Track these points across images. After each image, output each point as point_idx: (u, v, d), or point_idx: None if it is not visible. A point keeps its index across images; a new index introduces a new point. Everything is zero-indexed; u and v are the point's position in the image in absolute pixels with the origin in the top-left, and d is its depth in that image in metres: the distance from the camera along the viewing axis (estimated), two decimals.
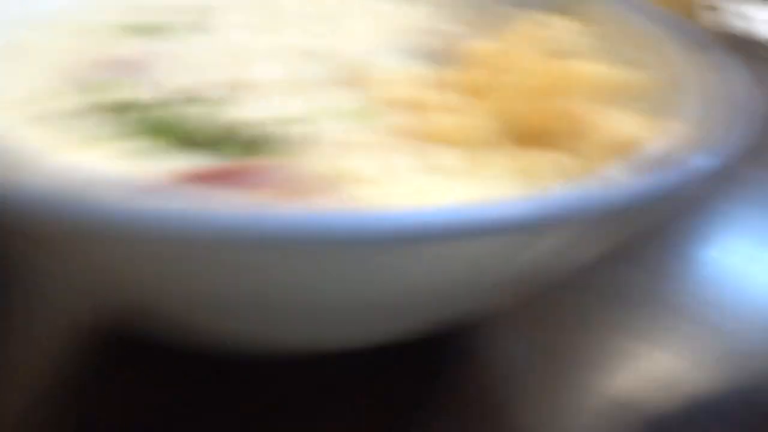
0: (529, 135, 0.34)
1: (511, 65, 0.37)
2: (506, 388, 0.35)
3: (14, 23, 0.42)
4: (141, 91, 0.35)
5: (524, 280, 0.28)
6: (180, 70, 0.37)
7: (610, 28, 0.47)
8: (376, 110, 0.37)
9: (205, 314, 0.27)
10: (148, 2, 0.50)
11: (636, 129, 0.33)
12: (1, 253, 0.34)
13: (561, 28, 0.45)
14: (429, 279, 0.24)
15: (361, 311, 0.26)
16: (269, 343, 0.30)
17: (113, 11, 0.47)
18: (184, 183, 0.28)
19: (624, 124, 0.34)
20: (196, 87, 0.36)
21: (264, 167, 0.28)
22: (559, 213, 0.22)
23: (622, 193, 0.23)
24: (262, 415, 0.32)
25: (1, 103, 0.33)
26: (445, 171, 0.32)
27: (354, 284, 0.23)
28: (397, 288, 0.24)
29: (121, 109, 0.33)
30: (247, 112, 0.33)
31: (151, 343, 0.32)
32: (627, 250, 0.44)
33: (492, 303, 0.33)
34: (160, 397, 0.31)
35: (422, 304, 0.27)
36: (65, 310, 0.36)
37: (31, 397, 0.32)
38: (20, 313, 0.36)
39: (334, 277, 0.23)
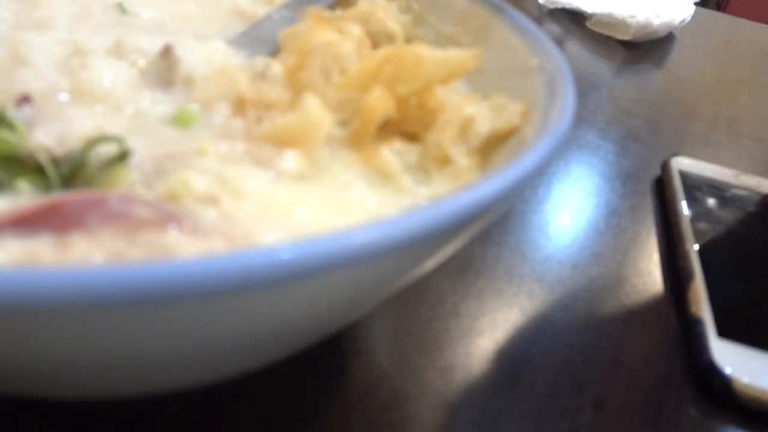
0: (371, 125, 0.32)
1: (340, 52, 0.35)
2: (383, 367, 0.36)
3: None
4: None
5: (381, 295, 0.27)
6: None
7: (425, 4, 0.48)
8: (199, 113, 0.33)
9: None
10: None
11: (476, 110, 0.33)
12: None
13: (382, 8, 0.44)
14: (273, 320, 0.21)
15: (211, 355, 0.23)
16: (103, 392, 0.25)
17: None
18: None
19: (464, 105, 0.34)
20: None
21: (86, 201, 0.23)
22: (413, 238, 0.20)
23: (474, 203, 0.22)
24: None
25: None
26: (291, 177, 0.29)
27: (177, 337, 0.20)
28: (230, 335, 0.21)
29: None
30: (41, 133, 0.27)
31: None
32: None
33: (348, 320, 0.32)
34: None
35: (277, 339, 0.25)
36: None
37: None
38: None
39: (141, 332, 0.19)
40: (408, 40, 0.46)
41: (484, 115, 0.33)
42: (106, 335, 0.18)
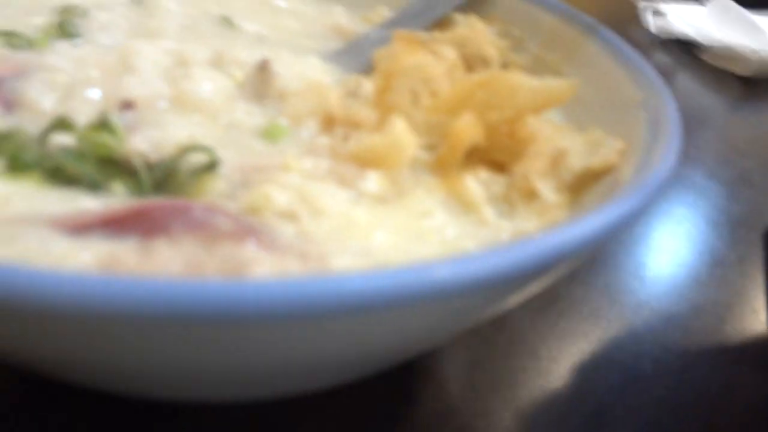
0: (458, 151, 0.32)
1: (430, 75, 0.34)
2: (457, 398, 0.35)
3: None
4: (12, 119, 0.30)
5: (457, 329, 0.26)
6: (54, 88, 0.32)
7: (526, 30, 0.46)
8: (288, 127, 0.34)
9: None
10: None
11: (570, 143, 0.32)
12: None
13: (480, 31, 0.43)
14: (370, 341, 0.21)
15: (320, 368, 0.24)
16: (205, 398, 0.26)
17: None
18: (85, 229, 0.23)
19: (557, 137, 0.32)
20: (73, 108, 0.31)
21: (172, 208, 0.24)
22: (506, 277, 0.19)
23: (562, 245, 0.21)
24: None
25: None
26: (372, 199, 0.29)
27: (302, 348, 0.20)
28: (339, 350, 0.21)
29: None
30: (139, 138, 0.28)
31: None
32: None
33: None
34: None
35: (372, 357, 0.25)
36: None
37: None
38: None
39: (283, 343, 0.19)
40: (504, 65, 0.45)
41: (578, 150, 0.31)
42: (201, 347, 0.18)
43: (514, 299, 0.23)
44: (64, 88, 0.32)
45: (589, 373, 0.39)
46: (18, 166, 0.26)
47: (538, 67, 0.45)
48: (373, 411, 0.33)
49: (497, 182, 0.31)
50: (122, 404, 0.30)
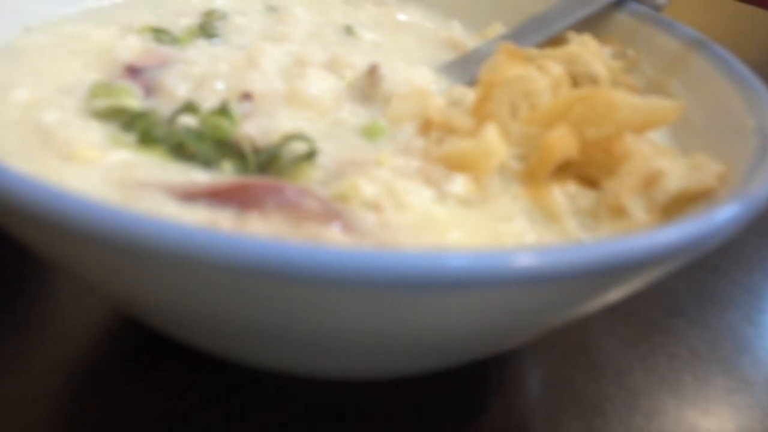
0: (548, 162, 0.32)
1: (532, 88, 0.35)
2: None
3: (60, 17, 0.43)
4: (150, 101, 0.34)
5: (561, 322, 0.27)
6: (188, 78, 0.36)
7: (643, 51, 0.45)
8: (389, 128, 0.36)
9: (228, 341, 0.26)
10: (169, 5, 0.50)
11: (668, 164, 0.31)
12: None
13: (592, 50, 0.43)
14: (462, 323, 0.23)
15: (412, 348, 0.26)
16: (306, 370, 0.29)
17: (139, 11, 0.47)
18: (193, 197, 0.27)
19: (656, 157, 0.32)
20: (202, 96, 0.35)
21: (268, 187, 0.27)
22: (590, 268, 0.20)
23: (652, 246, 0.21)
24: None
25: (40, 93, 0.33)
26: (455, 200, 0.30)
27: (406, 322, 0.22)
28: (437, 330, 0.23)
29: (126, 116, 0.32)
30: (251, 125, 0.31)
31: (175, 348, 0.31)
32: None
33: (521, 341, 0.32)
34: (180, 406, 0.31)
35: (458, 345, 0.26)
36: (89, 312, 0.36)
37: (49, 391, 0.31)
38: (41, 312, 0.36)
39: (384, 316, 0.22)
40: (615, 85, 0.45)
41: (677, 172, 0.31)
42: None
43: (592, 299, 0.23)
44: (197, 79, 0.36)
45: (674, 414, 0.37)
46: (147, 140, 0.30)
47: (652, 90, 0.44)
48: (442, 416, 0.34)
49: (586, 197, 0.31)
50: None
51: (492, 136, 0.31)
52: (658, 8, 0.79)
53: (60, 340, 0.35)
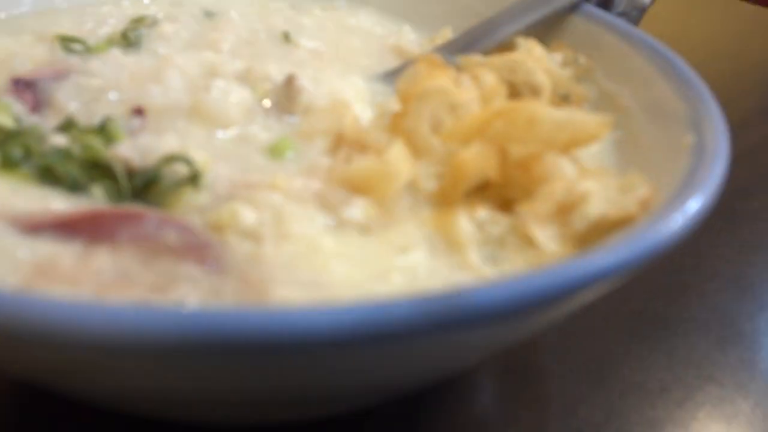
0: (460, 183, 0.29)
1: (457, 101, 0.32)
2: None
3: None
4: (34, 118, 0.32)
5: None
6: (85, 92, 0.34)
7: (596, 58, 0.42)
8: (296, 144, 0.33)
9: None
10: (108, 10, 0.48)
11: (593, 187, 0.28)
12: None
13: (536, 57, 0.40)
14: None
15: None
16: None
17: (61, 19, 0.45)
18: (39, 228, 0.24)
19: (580, 179, 0.29)
20: (94, 111, 0.32)
21: (123, 217, 0.24)
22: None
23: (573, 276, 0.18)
24: None
25: None
26: (353, 227, 0.27)
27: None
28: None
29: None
30: (129, 145, 0.29)
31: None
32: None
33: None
34: None
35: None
36: None
37: None
38: None
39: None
40: (565, 97, 0.41)
41: (599, 195, 0.27)
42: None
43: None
44: (93, 92, 0.34)
45: None
46: (8, 163, 0.27)
47: (602, 101, 0.40)
48: None
49: (498, 223, 0.28)
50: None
51: (395, 155, 0.28)
52: (642, 9, 0.76)
53: None
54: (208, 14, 0.49)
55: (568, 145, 0.30)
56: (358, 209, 0.28)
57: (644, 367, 0.40)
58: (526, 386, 0.37)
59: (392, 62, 0.46)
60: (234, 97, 0.34)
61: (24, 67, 0.35)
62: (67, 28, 0.42)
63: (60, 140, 0.28)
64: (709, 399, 0.38)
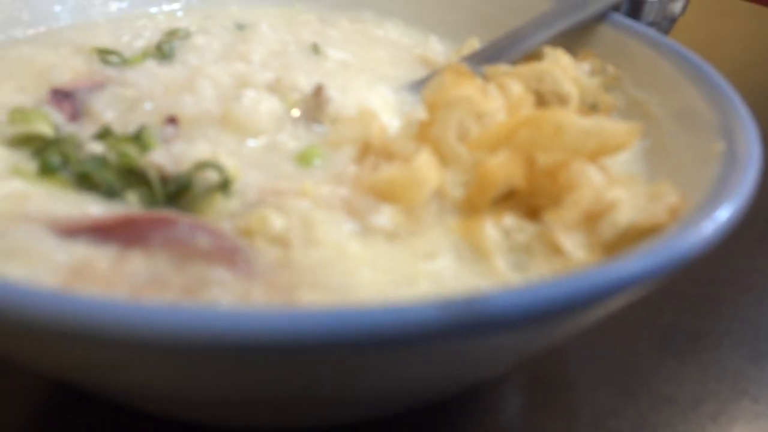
0: (487, 191, 0.29)
1: (483, 110, 0.32)
2: None
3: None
4: (73, 126, 0.33)
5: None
6: (121, 101, 0.35)
7: (625, 68, 0.42)
8: (324, 153, 0.33)
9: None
10: (141, 23, 0.49)
11: (621, 195, 0.28)
12: None
13: (563, 66, 0.40)
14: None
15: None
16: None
17: (98, 33, 0.46)
18: (75, 233, 0.25)
19: (608, 187, 0.28)
20: (130, 120, 0.33)
21: (157, 221, 0.25)
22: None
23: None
24: None
25: None
26: (378, 234, 0.28)
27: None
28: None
29: (40, 143, 0.31)
30: (162, 152, 0.30)
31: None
32: None
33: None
34: None
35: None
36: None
37: None
38: None
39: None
40: (593, 105, 0.41)
41: (629, 203, 0.27)
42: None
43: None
44: (129, 102, 0.35)
45: None
46: (47, 169, 0.28)
47: (631, 110, 0.40)
48: None
49: (525, 231, 0.28)
50: None
51: (422, 162, 0.29)
52: (672, 19, 0.75)
53: None
54: (240, 26, 0.50)
55: (596, 153, 0.30)
56: (385, 216, 0.28)
57: (676, 379, 0.39)
58: (554, 397, 0.37)
59: (419, 72, 0.47)
60: (264, 106, 0.35)
61: (62, 78, 0.37)
62: (104, 41, 0.44)
63: (97, 148, 0.29)
64: (743, 414, 0.37)
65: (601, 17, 0.45)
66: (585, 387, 0.38)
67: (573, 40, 0.45)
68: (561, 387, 0.38)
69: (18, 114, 0.32)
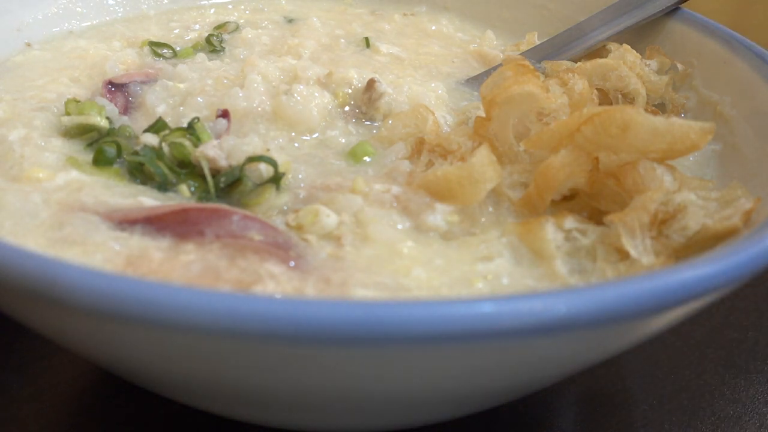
0: (545, 192, 0.29)
1: (545, 107, 0.32)
2: None
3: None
4: (125, 118, 0.34)
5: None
6: (172, 94, 0.36)
7: (695, 65, 0.41)
8: (379, 149, 0.34)
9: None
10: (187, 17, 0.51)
11: (691, 199, 0.27)
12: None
13: (630, 64, 0.39)
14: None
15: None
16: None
17: (149, 25, 0.48)
18: (130, 223, 0.26)
19: (679, 190, 0.28)
20: (181, 113, 0.34)
21: (211, 213, 0.26)
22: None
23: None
24: None
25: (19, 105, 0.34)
26: (432, 233, 0.28)
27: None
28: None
29: (94, 134, 0.32)
30: (221, 145, 0.30)
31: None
32: None
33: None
34: None
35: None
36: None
37: None
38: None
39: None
40: (661, 105, 0.41)
41: (700, 207, 0.27)
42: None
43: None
44: (181, 95, 0.36)
45: None
46: (101, 160, 0.29)
47: (701, 109, 0.39)
48: None
49: (588, 233, 0.28)
50: None
51: (481, 160, 0.29)
52: None
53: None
54: (289, 20, 0.51)
55: (666, 154, 0.29)
56: (440, 215, 0.28)
57: (741, 400, 0.38)
58: (609, 413, 0.36)
59: (474, 68, 0.47)
60: (314, 101, 0.36)
61: (115, 71, 0.38)
62: (156, 34, 0.46)
63: (150, 140, 0.30)
64: None
65: (669, 12, 0.44)
66: (644, 405, 0.37)
67: (639, 35, 0.44)
68: (618, 404, 0.37)
69: (73, 105, 0.33)
